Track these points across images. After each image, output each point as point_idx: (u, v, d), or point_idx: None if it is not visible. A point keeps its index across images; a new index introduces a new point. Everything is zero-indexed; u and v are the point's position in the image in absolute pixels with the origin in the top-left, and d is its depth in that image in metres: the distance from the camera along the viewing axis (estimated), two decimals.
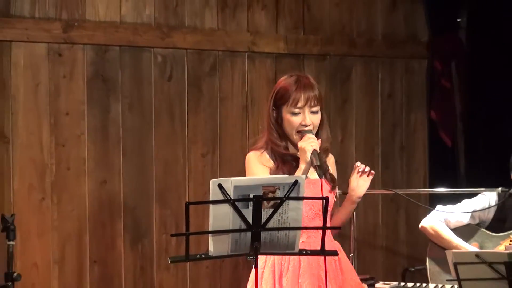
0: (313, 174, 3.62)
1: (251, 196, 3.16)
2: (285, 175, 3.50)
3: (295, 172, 3.64)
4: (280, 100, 3.69)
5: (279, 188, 3.23)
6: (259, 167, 3.68)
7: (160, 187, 4.66)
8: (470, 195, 4.74)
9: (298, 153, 3.65)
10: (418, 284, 4.46)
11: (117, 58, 4.55)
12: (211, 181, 3.20)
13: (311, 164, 3.55)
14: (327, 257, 3.55)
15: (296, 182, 3.23)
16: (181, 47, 4.73)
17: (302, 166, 3.60)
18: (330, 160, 3.90)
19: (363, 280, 4.39)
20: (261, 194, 3.17)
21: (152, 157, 4.65)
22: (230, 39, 4.89)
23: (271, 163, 3.71)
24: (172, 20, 4.70)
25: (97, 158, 4.49)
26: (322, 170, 3.55)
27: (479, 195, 4.72)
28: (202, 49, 4.80)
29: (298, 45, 5.11)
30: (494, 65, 5.41)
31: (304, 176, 3.42)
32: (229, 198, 3.13)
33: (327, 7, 5.24)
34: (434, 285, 4.47)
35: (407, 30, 5.57)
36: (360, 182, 3.73)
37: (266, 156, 3.73)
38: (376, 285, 4.37)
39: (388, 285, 4.41)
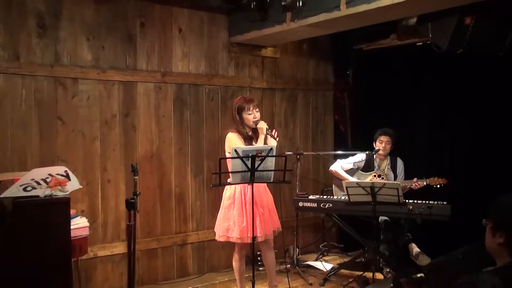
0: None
1: (250, 155, 3.15)
2: (267, 145, 3.49)
3: (251, 143, 3.57)
4: (240, 109, 3.60)
5: (263, 151, 3.21)
6: (238, 141, 3.56)
7: (207, 151, 4.61)
8: (353, 154, 4.74)
9: (254, 132, 3.60)
10: (330, 196, 4.45)
11: (187, 90, 4.48)
12: (232, 148, 3.20)
13: (265, 134, 3.53)
14: (263, 184, 3.56)
15: (271, 148, 3.23)
16: (217, 85, 4.65)
17: (262, 136, 3.55)
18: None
19: (302, 195, 4.36)
20: (255, 154, 3.16)
21: (203, 137, 4.58)
22: (241, 81, 4.82)
23: (241, 139, 3.60)
24: (213, 72, 4.63)
25: (178, 137, 4.43)
26: (271, 136, 3.54)
27: (357, 154, 4.70)
28: (227, 86, 4.73)
29: (272, 84, 5.04)
30: (365, 94, 5.38)
31: (275, 145, 3.39)
32: (240, 156, 3.12)
33: (286, 66, 5.17)
34: (337, 197, 4.45)
35: (323, 77, 5.50)
36: (271, 141, 3.60)
37: (237, 135, 3.60)
38: (309, 197, 4.34)
39: (315, 197, 4.38)
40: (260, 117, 3.67)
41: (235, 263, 3.70)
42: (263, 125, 3.56)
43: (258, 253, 4.63)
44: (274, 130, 3.73)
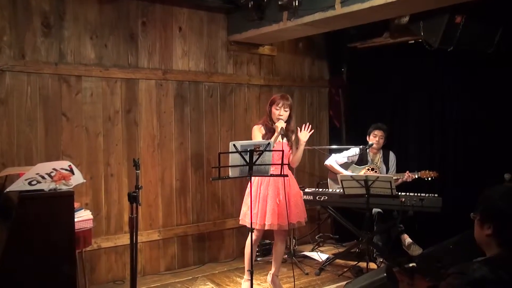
0: (280, 139, 3.57)
1: (248, 149, 3.13)
2: (264, 140, 3.47)
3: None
4: (272, 102, 3.67)
5: (261, 146, 3.20)
6: (258, 134, 3.63)
7: (207, 145, 4.58)
8: (347, 149, 4.73)
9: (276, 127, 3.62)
10: (325, 189, 4.45)
11: (187, 87, 4.45)
12: (230, 142, 3.17)
13: (280, 133, 3.53)
14: (287, 177, 3.54)
15: (268, 143, 3.21)
16: (216, 82, 4.62)
17: (276, 134, 3.57)
18: (293, 136, 3.76)
19: (300, 187, 4.37)
20: (253, 149, 3.15)
21: (203, 132, 4.56)
22: (239, 78, 4.78)
23: (263, 132, 3.65)
24: (212, 69, 4.60)
25: (178, 132, 4.40)
26: (284, 136, 3.52)
27: (351, 149, 4.70)
28: (226, 83, 4.70)
29: (269, 81, 5.01)
30: (359, 91, 5.36)
31: (273, 140, 3.39)
32: (238, 151, 3.11)
33: (283, 64, 5.14)
34: (332, 190, 4.45)
35: (318, 74, 5.47)
36: (303, 134, 3.66)
37: (262, 128, 3.66)
38: (305, 190, 4.35)
39: (311, 190, 4.39)
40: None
41: (246, 248, 3.73)
42: (279, 124, 3.58)
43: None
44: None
